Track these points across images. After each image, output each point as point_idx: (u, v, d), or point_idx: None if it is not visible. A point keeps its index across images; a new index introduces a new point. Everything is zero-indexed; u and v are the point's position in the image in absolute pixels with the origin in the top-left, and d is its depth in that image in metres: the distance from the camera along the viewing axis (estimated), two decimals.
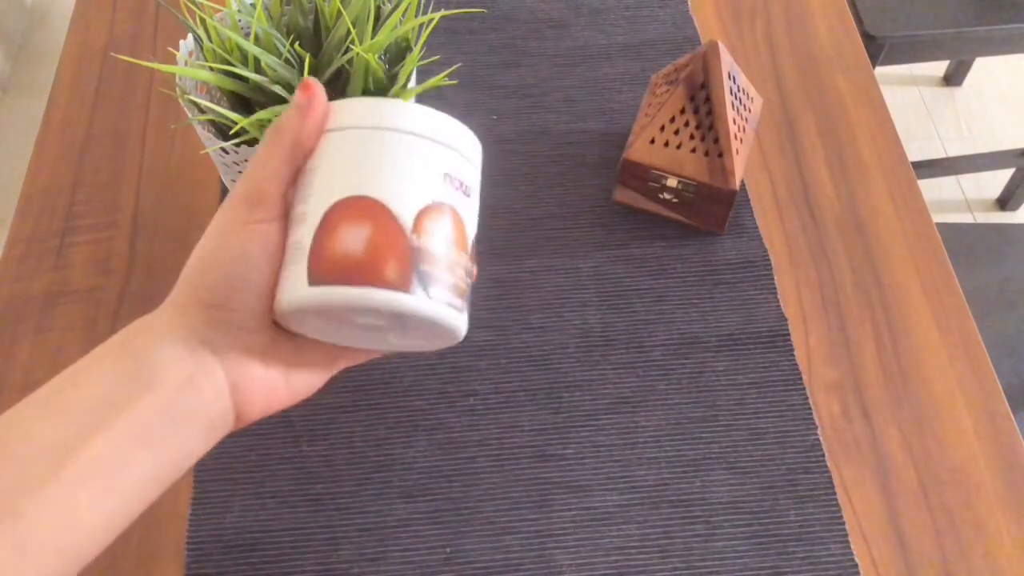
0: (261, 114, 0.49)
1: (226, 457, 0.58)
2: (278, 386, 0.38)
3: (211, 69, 0.52)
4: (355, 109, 0.38)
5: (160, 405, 0.35)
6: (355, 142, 0.37)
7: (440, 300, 0.36)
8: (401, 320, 0.38)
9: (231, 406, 0.37)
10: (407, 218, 0.36)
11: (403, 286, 0.35)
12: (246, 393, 0.37)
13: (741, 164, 0.65)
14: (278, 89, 0.51)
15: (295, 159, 0.37)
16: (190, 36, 0.55)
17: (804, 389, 0.62)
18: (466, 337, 0.63)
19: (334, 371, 0.41)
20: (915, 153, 1.88)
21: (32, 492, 0.32)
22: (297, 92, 0.38)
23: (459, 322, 0.38)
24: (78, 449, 0.33)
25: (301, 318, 0.37)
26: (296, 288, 0.36)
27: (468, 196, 0.38)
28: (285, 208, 0.38)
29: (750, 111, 0.69)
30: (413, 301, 0.36)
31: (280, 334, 0.39)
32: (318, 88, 0.38)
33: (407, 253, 0.36)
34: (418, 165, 0.37)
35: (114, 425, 0.34)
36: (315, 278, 0.36)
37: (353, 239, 0.36)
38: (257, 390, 0.37)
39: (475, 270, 0.40)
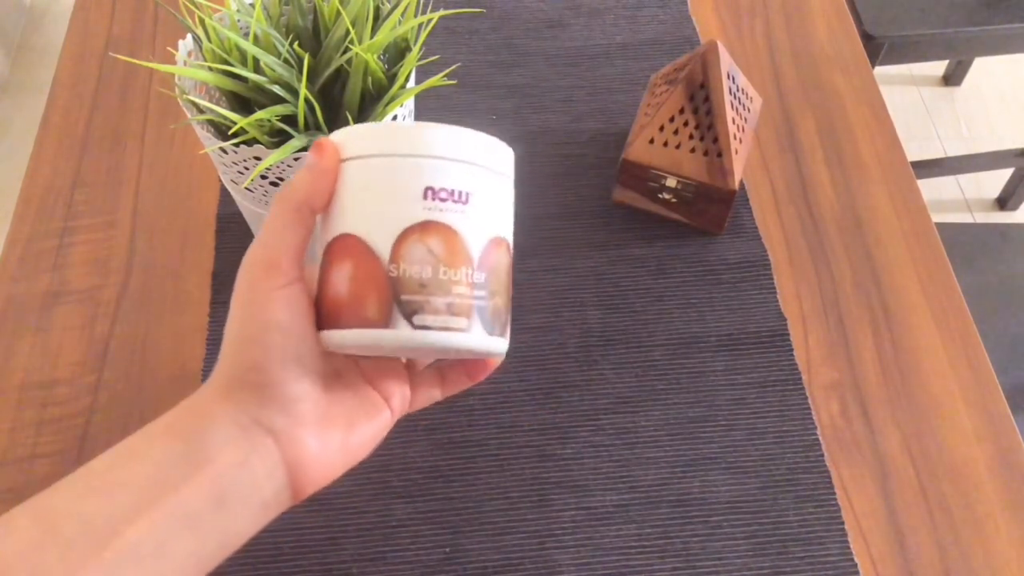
0: (260, 114, 0.49)
1: None
2: (334, 455, 0.38)
3: (210, 69, 0.52)
4: (347, 140, 0.37)
5: (209, 488, 0.34)
6: (343, 177, 0.37)
7: (428, 325, 0.35)
8: (399, 352, 0.37)
9: (286, 484, 0.36)
10: (383, 249, 0.35)
11: (382, 321, 0.35)
12: (303, 469, 0.36)
13: (740, 164, 0.65)
14: (277, 89, 0.51)
15: (304, 220, 0.37)
16: (189, 36, 0.55)
17: (803, 389, 0.62)
18: None
19: (390, 425, 0.40)
20: (915, 153, 1.88)
21: (74, 572, 0.32)
22: (310, 152, 0.37)
23: (462, 341, 0.36)
24: (121, 530, 0.33)
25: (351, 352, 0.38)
26: None
27: (465, 203, 0.36)
28: (301, 269, 0.37)
29: (749, 111, 0.69)
30: (393, 335, 0.35)
31: (336, 395, 0.38)
32: (330, 149, 0.37)
33: (385, 286, 0.35)
34: (390, 188, 0.35)
35: (160, 507, 0.33)
36: (319, 322, 0.37)
37: (338, 280, 0.36)
38: (314, 464, 0.37)
39: (499, 273, 0.37)
